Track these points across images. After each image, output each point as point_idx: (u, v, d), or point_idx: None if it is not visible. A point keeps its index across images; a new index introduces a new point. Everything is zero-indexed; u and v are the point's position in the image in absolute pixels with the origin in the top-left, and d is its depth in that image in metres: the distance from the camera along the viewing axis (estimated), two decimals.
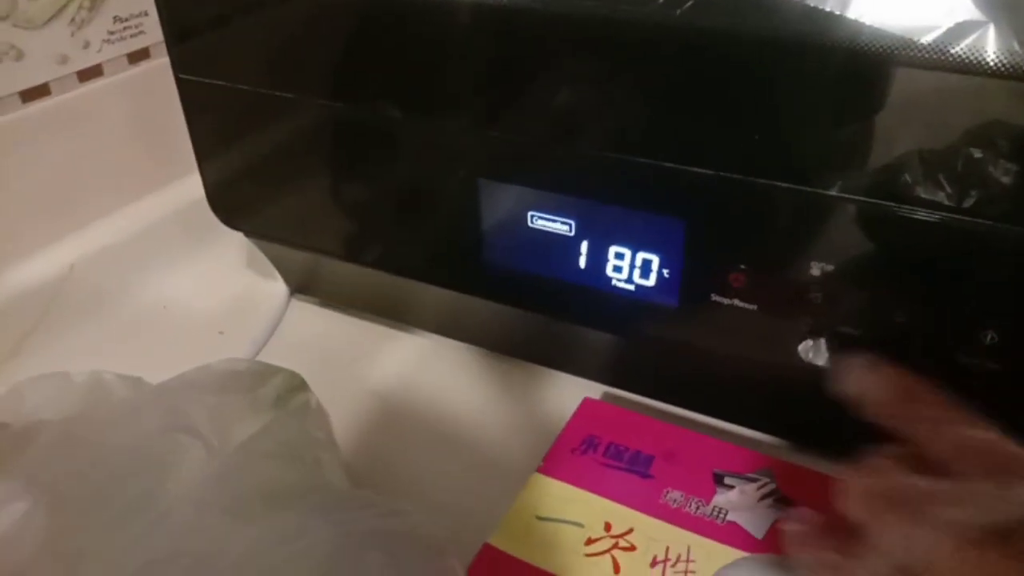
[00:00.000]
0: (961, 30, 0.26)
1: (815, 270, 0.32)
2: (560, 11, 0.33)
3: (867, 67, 0.28)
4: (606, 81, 0.33)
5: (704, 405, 0.41)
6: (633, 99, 0.33)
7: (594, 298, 0.37)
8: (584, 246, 0.37)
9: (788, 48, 0.29)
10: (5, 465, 0.33)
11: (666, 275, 0.35)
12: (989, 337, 0.30)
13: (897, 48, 0.27)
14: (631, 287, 0.36)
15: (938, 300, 0.31)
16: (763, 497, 0.34)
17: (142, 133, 0.56)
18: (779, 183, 0.31)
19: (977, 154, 0.28)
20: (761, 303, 0.33)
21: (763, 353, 0.34)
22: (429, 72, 0.37)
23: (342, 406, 0.44)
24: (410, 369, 0.48)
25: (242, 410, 0.37)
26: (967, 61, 0.26)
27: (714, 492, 0.34)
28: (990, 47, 0.26)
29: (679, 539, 0.32)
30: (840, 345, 0.33)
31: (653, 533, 0.33)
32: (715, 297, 0.34)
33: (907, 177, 0.29)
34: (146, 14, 0.54)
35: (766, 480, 0.35)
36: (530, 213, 0.37)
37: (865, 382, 0.29)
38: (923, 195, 0.29)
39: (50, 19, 0.49)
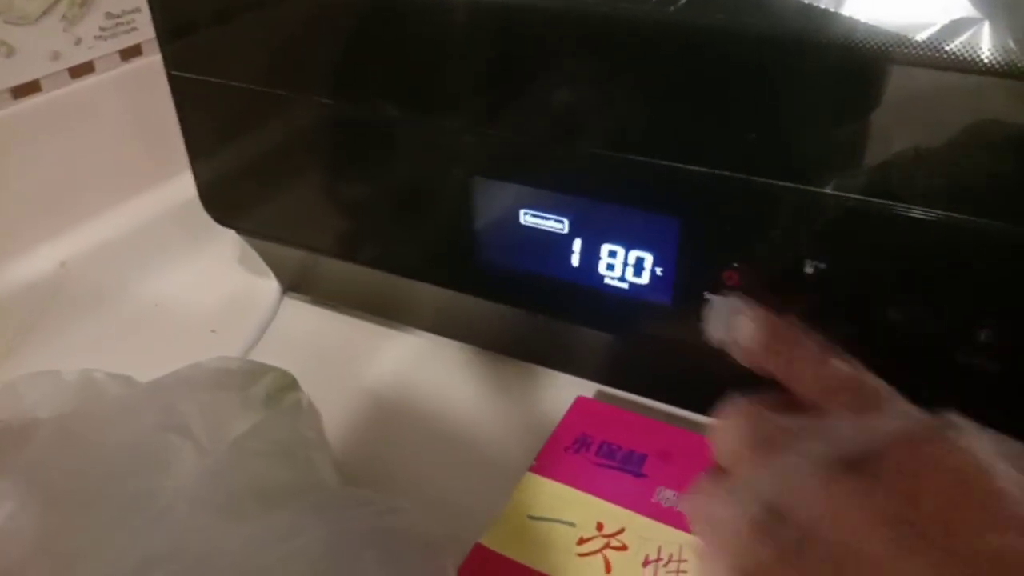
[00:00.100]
0: (956, 27, 0.26)
1: (809, 268, 0.32)
2: (553, 9, 0.32)
3: (862, 65, 0.28)
4: (600, 79, 0.33)
5: (697, 404, 0.41)
6: (627, 97, 0.33)
7: (587, 296, 0.37)
8: (577, 244, 0.36)
9: (782, 45, 0.29)
10: None
11: (659, 273, 0.35)
12: (985, 336, 0.30)
13: (892, 45, 0.27)
14: (624, 285, 0.36)
15: (934, 299, 0.30)
16: None
17: (134, 131, 0.56)
18: (774, 181, 0.31)
19: (972, 152, 0.28)
20: (755, 301, 0.33)
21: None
22: (421, 70, 0.37)
23: (335, 405, 0.44)
24: (403, 368, 0.47)
25: (233, 409, 0.37)
26: (962, 58, 0.26)
27: None
28: (985, 44, 0.26)
29: (671, 538, 0.32)
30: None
31: (645, 532, 0.33)
32: (709, 295, 0.34)
33: (902, 175, 0.29)
34: (138, 10, 0.54)
35: None
36: (523, 211, 0.37)
37: (736, 327, 0.29)
38: (918, 193, 0.29)
39: (42, 15, 0.49)
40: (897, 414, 0.25)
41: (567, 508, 0.34)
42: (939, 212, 0.29)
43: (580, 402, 0.40)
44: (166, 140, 0.48)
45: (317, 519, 0.32)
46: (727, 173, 0.32)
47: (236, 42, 0.42)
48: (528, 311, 0.41)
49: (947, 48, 0.26)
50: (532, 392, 0.45)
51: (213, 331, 0.51)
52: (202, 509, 0.32)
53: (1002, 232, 0.28)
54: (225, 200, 0.47)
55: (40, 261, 0.51)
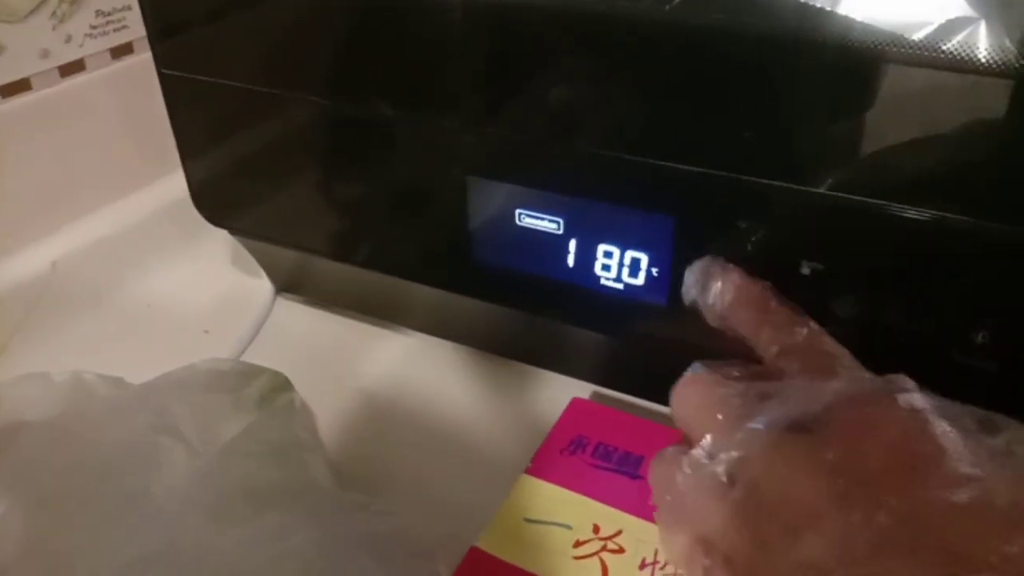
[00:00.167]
0: (952, 26, 0.26)
1: (805, 268, 0.32)
2: (549, 7, 0.32)
3: (858, 64, 0.28)
4: (596, 78, 0.33)
5: None
6: (623, 96, 0.33)
7: (583, 297, 0.37)
8: (572, 244, 0.36)
9: (778, 44, 0.29)
10: None
11: (655, 274, 0.35)
12: (982, 336, 0.30)
13: (888, 44, 0.27)
14: (620, 286, 0.36)
15: (930, 299, 0.30)
16: None
17: (125, 129, 0.56)
18: (769, 181, 0.31)
19: (968, 152, 0.28)
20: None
21: (753, 352, 0.34)
22: (416, 68, 0.37)
23: (328, 406, 0.44)
24: (397, 369, 0.47)
25: (226, 410, 0.37)
26: (958, 58, 0.26)
27: None
28: (981, 44, 0.26)
29: None
30: None
31: (642, 535, 0.32)
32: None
33: (898, 175, 0.29)
34: (129, 8, 0.54)
35: None
36: (518, 211, 0.37)
37: (709, 289, 0.30)
38: (914, 193, 0.29)
39: (31, 12, 0.48)
40: (849, 378, 0.25)
41: (563, 510, 0.34)
42: (935, 212, 0.28)
43: (576, 403, 0.40)
44: (158, 139, 0.48)
45: (309, 521, 0.32)
46: (723, 173, 0.31)
47: (228, 40, 0.42)
48: (523, 312, 0.41)
49: (943, 47, 0.26)
50: (527, 393, 0.45)
51: (206, 331, 0.51)
52: (193, 510, 0.32)
53: (999, 232, 0.28)
54: (217, 200, 0.47)
55: (31, 261, 0.51)
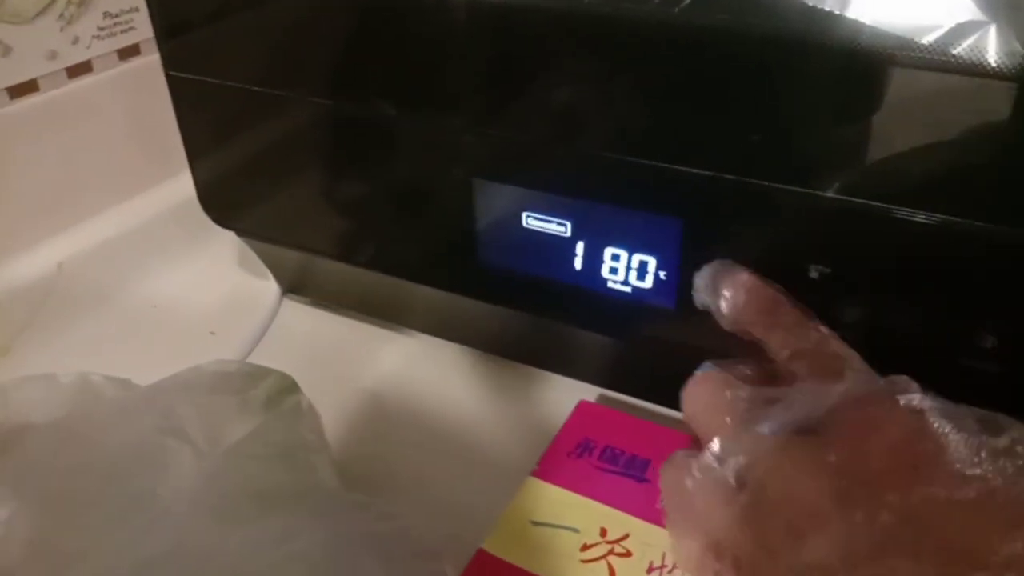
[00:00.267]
0: (962, 30, 0.26)
1: (813, 272, 0.31)
2: (556, 9, 0.32)
3: (866, 67, 0.28)
4: (603, 80, 0.33)
5: None
6: (630, 98, 0.33)
7: (590, 300, 0.37)
8: (580, 247, 0.36)
9: (787, 48, 0.29)
10: None
11: (663, 277, 0.35)
12: (988, 340, 0.29)
13: (897, 48, 0.27)
14: (628, 289, 0.36)
15: (938, 303, 0.30)
16: None
17: (132, 131, 0.56)
18: (777, 184, 0.31)
19: (976, 156, 0.28)
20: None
21: (764, 353, 0.34)
22: (422, 69, 0.37)
23: (334, 408, 0.43)
24: (403, 371, 0.47)
25: (232, 412, 0.37)
26: (968, 62, 0.26)
27: None
28: (991, 48, 0.26)
29: None
30: None
31: (649, 539, 0.32)
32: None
33: (906, 179, 0.29)
34: (136, 10, 0.54)
35: None
36: (525, 213, 0.37)
37: (721, 292, 0.30)
38: (921, 197, 0.29)
39: (38, 14, 0.48)
40: (853, 380, 0.25)
41: (570, 513, 0.34)
42: (944, 216, 0.28)
43: (582, 406, 0.40)
44: (164, 140, 0.48)
45: (315, 523, 0.32)
46: (731, 176, 0.31)
47: (235, 42, 0.42)
48: (530, 314, 0.41)
49: (953, 51, 0.26)
50: (533, 395, 0.45)
51: (212, 333, 0.51)
52: (199, 512, 0.32)
53: (1007, 236, 0.28)
54: (224, 201, 0.47)
55: (38, 261, 0.51)
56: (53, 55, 0.50)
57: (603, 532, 0.33)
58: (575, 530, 0.33)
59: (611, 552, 0.32)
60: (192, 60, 0.43)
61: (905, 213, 0.29)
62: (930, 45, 0.26)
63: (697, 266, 0.33)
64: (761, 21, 0.29)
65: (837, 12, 0.27)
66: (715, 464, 0.25)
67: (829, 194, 0.30)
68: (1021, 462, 0.22)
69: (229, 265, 0.56)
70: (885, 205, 0.29)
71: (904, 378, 0.25)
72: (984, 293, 0.29)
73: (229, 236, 0.50)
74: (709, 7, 0.29)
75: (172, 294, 0.55)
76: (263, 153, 0.44)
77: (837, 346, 0.28)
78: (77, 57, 0.51)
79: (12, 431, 0.35)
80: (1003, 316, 0.29)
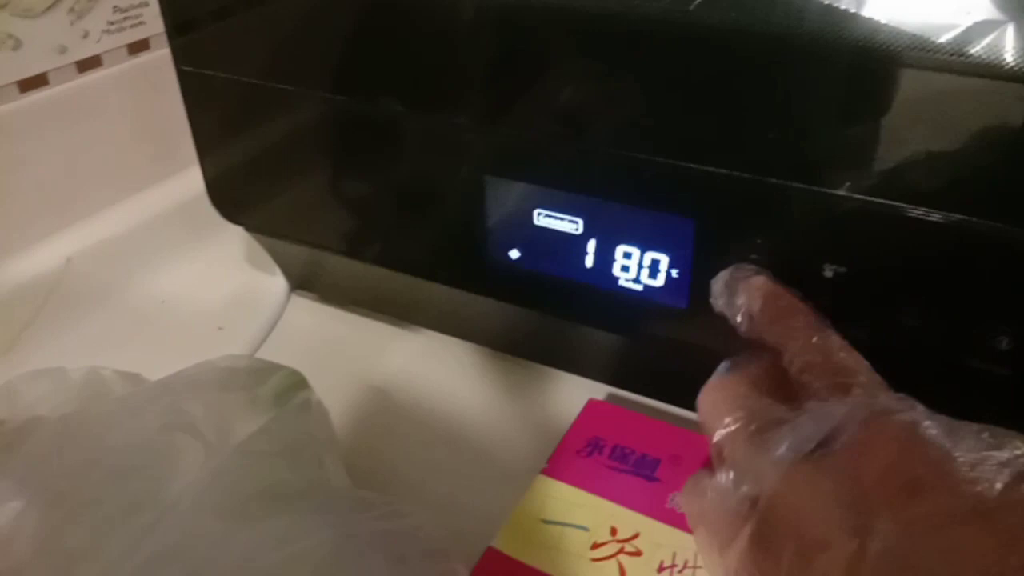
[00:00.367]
0: (979, 30, 0.26)
1: (827, 271, 0.31)
2: (567, 5, 0.32)
3: (882, 66, 0.28)
4: (616, 77, 0.33)
5: None
6: (644, 96, 0.33)
7: (601, 298, 0.37)
8: (592, 245, 0.36)
9: (803, 46, 0.29)
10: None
11: (675, 275, 0.35)
12: (1005, 343, 0.29)
13: (913, 47, 0.27)
14: (639, 287, 0.36)
15: (953, 304, 0.30)
16: None
17: (141, 125, 0.56)
18: (791, 183, 0.31)
19: (993, 156, 0.28)
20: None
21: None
22: (434, 66, 0.36)
23: (342, 405, 0.43)
24: (412, 368, 0.47)
25: (242, 408, 0.37)
26: (985, 61, 0.26)
27: None
28: (1008, 47, 0.25)
29: (686, 544, 0.32)
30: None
31: (660, 538, 0.32)
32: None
33: (921, 178, 0.29)
34: (146, 4, 0.54)
35: None
36: (536, 211, 0.37)
37: (738, 298, 0.31)
38: (938, 197, 0.28)
39: (49, 8, 0.48)
40: (856, 400, 0.25)
41: (580, 512, 0.34)
42: (960, 216, 0.28)
43: (592, 405, 0.40)
44: (173, 136, 0.48)
45: (324, 520, 0.32)
46: (744, 174, 0.31)
47: (246, 37, 0.42)
48: (540, 312, 0.41)
49: (969, 51, 0.26)
50: (541, 394, 0.45)
51: (220, 328, 0.51)
52: (208, 509, 0.32)
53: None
54: (233, 197, 0.47)
55: (46, 256, 0.51)
56: (63, 49, 0.50)
57: (613, 531, 0.33)
58: (585, 529, 0.33)
59: (621, 551, 0.32)
60: (203, 55, 0.42)
61: (921, 213, 0.29)
62: (947, 44, 0.26)
63: (710, 264, 0.33)
64: (777, 19, 0.29)
65: (853, 11, 0.27)
66: (728, 488, 0.26)
67: (844, 193, 0.30)
68: (1021, 475, 0.21)
69: (237, 261, 0.56)
70: (901, 204, 0.29)
71: (904, 396, 0.25)
72: (1000, 295, 0.29)
73: (237, 232, 0.50)
74: (724, 4, 0.29)
75: (180, 290, 0.54)
76: (273, 149, 0.44)
77: (846, 358, 0.27)
78: (87, 51, 0.51)
79: (21, 426, 0.35)
80: (1019, 318, 0.29)
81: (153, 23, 0.54)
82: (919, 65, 0.27)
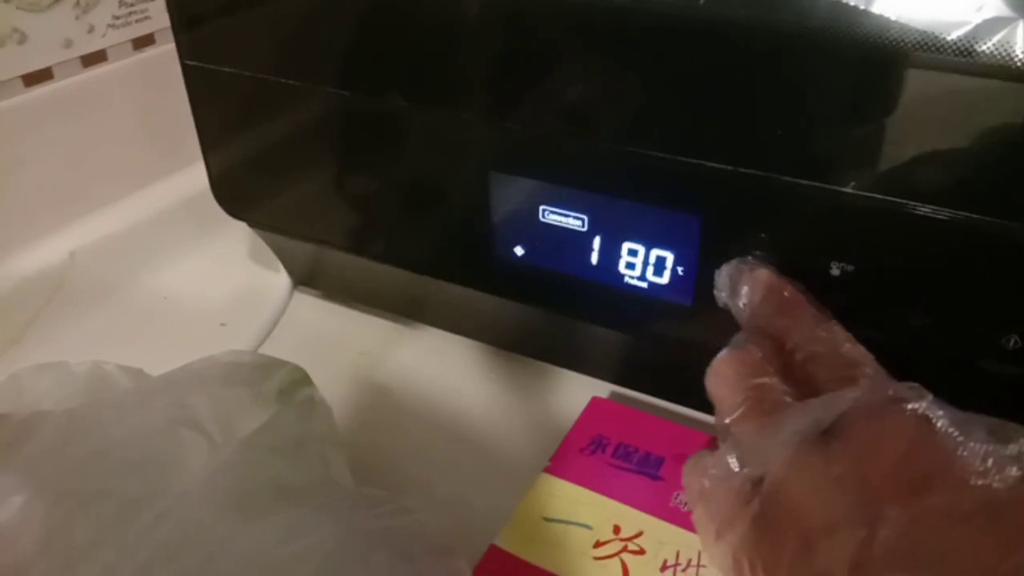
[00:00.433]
0: (989, 27, 0.26)
1: (834, 269, 0.31)
2: (574, 0, 0.32)
3: (891, 63, 0.27)
4: (623, 72, 0.33)
5: None
6: (650, 92, 0.33)
7: (606, 295, 0.37)
8: (597, 242, 0.36)
9: (811, 42, 0.28)
10: (3, 457, 0.33)
11: (680, 272, 0.35)
12: (1013, 342, 0.29)
13: (923, 44, 0.26)
14: (644, 285, 0.36)
15: (961, 303, 0.30)
16: None
17: (146, 120, 0.56)
18: (798, 180, 0.30)
19: (1002, 154, 0.27)
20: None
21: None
22: (440, 61, 0.36)
23: (346, 401, 0.43)
24: (415, 365, 0.47)
25: (245, 404, 0.37)
26: (995, 59, 0.26)
27: None
28: (1019, 44, 0.25)
29: (690, 543, 0.32)
30: None
31: (663, 536, 0.32)
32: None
33: (929, 176, 0.29)
34: None
35: None
36: (542, 207, 0.36)
37: (741, 292, 0.31)
38: (945, 194, 0.28)
39: (54, 2, 0.48)
40: (864, 388, 0.25)
41: (583, 510, 0.33)
42: (968, 214, 0.28)
43: (595, 403, 0.39)
44: (178, 131, 0.48)
45: (328, 517, 0.32)
46: (750, 171, 0.31)
47: (251, 31, 0.42)
48: (545, 310, 0.41)
49: (980, 48, 0.26)
50: (544, 391, 0.44)
51: (223, 324, 0.51)
52: (212, 505, 0.32)
53: None
54: (237, 192, 0.47)
55: (49, 251, 0.51)
56: (68, 43, 0.50)
57: (616, 529, 0.33)
58: (588, 527, 0.33)
59: (624, 549, 0.32)
60: (208, 49, 0.42)
61: (929, 211, 0.29)
62: (957, 41, 0.26)
63: (716, 262, 0.33)
64: (785, 15, 0.28)
65: (862, 7, 0.27)
66: (732, 468, 0.26)
67: (851, 190, 0.30)
68: None
69: (240, 257, 0.56)
70: (909, 202, 0.29)
71: (914, 385, 0.25)
72: (1008, 294, 0.29)
73: (241, 228, 0.50)
74: (733, 0, 0.29)
75: (183, 286, 0.55)
76: (277, 144, 0.44)
77: (852, 350, 0.27)
78: (92, 46, 0.51)
79: (26, 419, 0.35)
80: None
81: (158, 18, 0.54)
82: (929, 61, 0.27)
